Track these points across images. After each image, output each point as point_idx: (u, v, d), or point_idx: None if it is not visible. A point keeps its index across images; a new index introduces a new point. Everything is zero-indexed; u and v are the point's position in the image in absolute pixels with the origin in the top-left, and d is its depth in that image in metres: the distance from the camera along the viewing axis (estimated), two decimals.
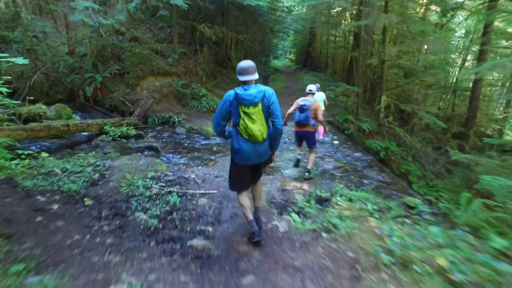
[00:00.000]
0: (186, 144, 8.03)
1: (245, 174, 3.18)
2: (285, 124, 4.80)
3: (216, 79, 14.69)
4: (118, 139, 7.72)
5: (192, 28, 13.87)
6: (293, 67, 35.25)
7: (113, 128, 7.94)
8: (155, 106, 10.66)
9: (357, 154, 7.92)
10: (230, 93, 2.89)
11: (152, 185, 4.64)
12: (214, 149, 7.72)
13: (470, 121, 13.52)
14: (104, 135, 7.72)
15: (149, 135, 8.76)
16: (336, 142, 8.95)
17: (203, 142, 8.38)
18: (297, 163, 6.12)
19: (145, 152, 6.82)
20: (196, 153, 7.23)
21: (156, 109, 10.62)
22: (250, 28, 17.42)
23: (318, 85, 8.49)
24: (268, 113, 2.94)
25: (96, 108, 10.23)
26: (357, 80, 13.40)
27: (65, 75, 10.31)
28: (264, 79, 24.45)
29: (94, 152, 6.46)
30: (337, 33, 23.58)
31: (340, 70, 24.69)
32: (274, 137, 3.06)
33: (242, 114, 2.85)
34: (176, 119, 10.34)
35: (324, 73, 25.98)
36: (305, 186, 5.28)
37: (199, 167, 6.10)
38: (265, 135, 2.96)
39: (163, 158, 6.66)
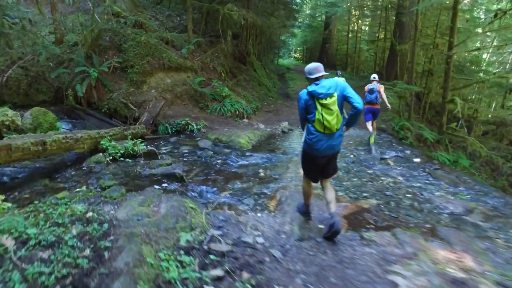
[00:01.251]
0: (218, 166, 5.62)
1: (317, 165, 3.21)
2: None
3: (236, 77, 12.29)
4: (122, 159, 5.30)
5: (207, 14, 11.47)
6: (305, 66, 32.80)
7: (113, 143, 5.52)
8: (166, 109, 8.25)
9: (465, 180, 5.55)
10: (303, 92, 3.07)
11: (204, 286, 2.23)
12: (261, 173, 5.32)
13: None
14: (101, 154, 5.29)
15: (163, 150, 6.34)
16: (417, 159, 6.57)
17: (241, 162, 5.97)
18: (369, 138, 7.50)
19: (164, 184, 4.40)
20: (238, 182, 4.84)
21: (168, 114, 8.20)
22: (270, 18, 15.01)
23: (339, 72, 10.62)
24: (342, 104, 2.99)
25: (90, 113, 7.80)
26: (408, 78, 11.08)
27: (50, 69, 7.87)
28: (280, 78, 22.14)
29: (84, 187, 4.04)
30: (363, 29, 21.36)
31: (364, 68, 22.53)
32: (353, 116, 3.02)
33: (319, 108, 2.94)
34: (195, 127, 7.93)
35: (344, 71, 23.71)
36: (470, 262, 2.89)
37: (258, 214, 3.71)
38: (338, 126, 3.00)
39: (193, 194, 4.25)
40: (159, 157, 5.61)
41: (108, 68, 8.19)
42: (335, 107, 2.93)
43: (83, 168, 4.94)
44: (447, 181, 5.28)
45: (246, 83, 12.65)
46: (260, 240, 3.04)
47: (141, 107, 7.84)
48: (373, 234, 3.33)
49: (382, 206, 4.19)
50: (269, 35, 19.31)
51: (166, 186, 4.31)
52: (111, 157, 5.25)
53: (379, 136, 8.73)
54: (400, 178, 5.29)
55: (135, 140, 5.84)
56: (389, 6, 13.98)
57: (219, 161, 5.91)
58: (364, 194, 4.56)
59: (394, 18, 13.22)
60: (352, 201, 4.29)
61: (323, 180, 3.32)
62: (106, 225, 2.85)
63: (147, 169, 4.87)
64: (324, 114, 2.92)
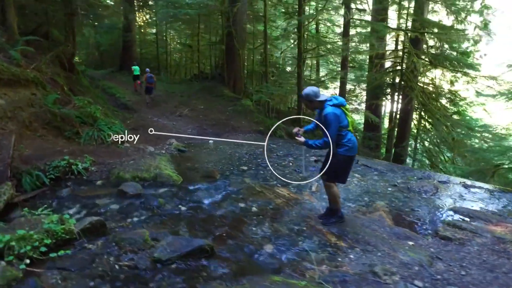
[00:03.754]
0: (194, 215, 4.14)
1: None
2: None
3: (71, 88, 9.19)
4: (52, 255, 2.88)
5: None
6: (101, 72, 28.41)
7: (21, 231, 2.91)
8: (20, 148, 5.14)
9: (384, 164, 6.64)
10: (333, 109, 3.47)
11: None
12: (253, 208, 4.40)
13: None
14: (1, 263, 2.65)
15: (69, 216, 3.92)
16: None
17: (207, 201, 4.65)
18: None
19: (198, 268, 2.76)
20: (252, 228, 3.81)
21: (26, 155, 5.16)
22: None
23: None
24: None
25: None
26: (257, 81, 12.05)
27: None
28: (98, 88, 18.19)
29: None
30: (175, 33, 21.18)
31: (186, 70, 22.69)
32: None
33: (348, 113, 3.61)
34: (80, 166, 5.42)
35: (162, 74, 22.68)
36: None
37: (351, 256, 3.20)
38: None
39: (242, 263, 2.93)
40: (109, 231, 3.47)
41: None
42: None
43: None
44: (386, 169, 6.18)
45: (89, 97, 9.76)
46: (420, 283, 2.55)
47: None
48: (447, 233, 3.50)
49: (393, 205, 4.44)
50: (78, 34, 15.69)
51: (212, 274, 2.73)
52: (27, 261, 2.74)
53: (276, 142, 9.11)
54: (357, 175, 5.74)
55: (46, 212, 3.30)
56: (221, 13, 14.54)
57: (183, 208, 4.37)
58: (365, 199, 4.66)
59: (230, 24, 13.84)
60: (372, 209, 4.29)
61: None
62: None
63: (134, 256, 2.89)
64: (351, 118, 3.64)
